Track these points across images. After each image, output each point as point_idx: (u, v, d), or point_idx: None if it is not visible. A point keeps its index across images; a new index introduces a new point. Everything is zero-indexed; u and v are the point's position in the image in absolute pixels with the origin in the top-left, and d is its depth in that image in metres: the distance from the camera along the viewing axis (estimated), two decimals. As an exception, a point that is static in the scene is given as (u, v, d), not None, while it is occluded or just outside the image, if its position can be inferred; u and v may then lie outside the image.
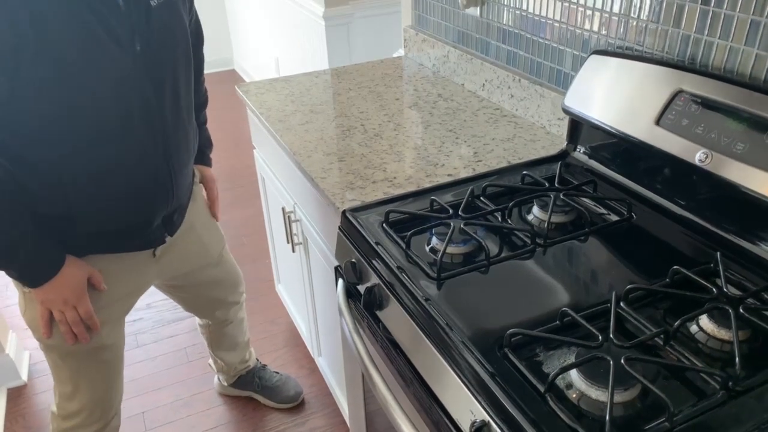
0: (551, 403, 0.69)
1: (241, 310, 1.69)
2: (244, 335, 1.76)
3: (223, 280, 1.53)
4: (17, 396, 1.91)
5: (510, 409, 0.69)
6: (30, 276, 1.09)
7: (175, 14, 1.11)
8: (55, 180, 1.04)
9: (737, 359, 0.70)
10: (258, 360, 1.88)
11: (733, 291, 0.82)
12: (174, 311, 2.25)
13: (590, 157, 1.19)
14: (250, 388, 1.85)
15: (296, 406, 1.84)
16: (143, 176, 1.11)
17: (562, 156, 1.23)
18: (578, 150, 1.21)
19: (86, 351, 1.22)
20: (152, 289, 1.42)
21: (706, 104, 0.94)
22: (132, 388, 1.92)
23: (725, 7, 0.95)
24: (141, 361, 2.04)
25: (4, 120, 0.97)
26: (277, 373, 1.89)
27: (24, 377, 1.95)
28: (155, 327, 2.18)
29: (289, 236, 1.58)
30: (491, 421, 0.70)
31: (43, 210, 1.05)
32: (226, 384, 1.86)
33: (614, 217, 1.04)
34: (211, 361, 1.84)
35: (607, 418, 0.65)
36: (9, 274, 1.10)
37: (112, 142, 1.04)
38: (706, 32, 0.99)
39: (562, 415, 0.68)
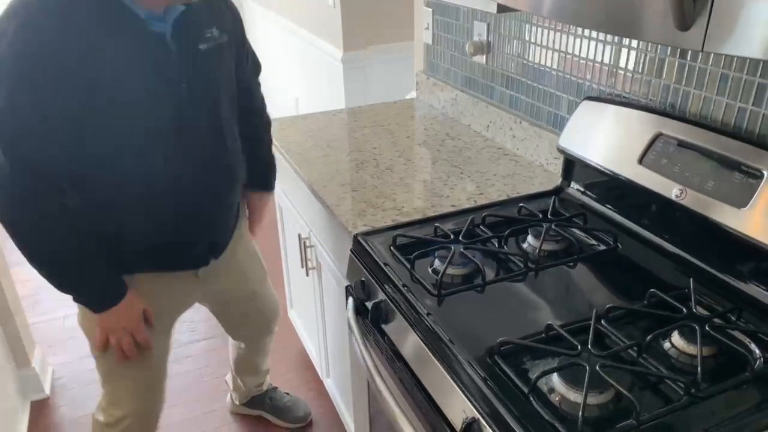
0: (534, 403, 0.78)
1: (272, 341, 1.79)
2: (266, 364, 1.86)
3: (262, 311, 1.65)
4: (40, 408, 2.00)
5: (498, 407, 0.78)
6: (97, 302, 1.21)
7: (221, 58, 1.24)
8: (108, 201, 1.16)
9: (699, 368, 0.79)
10: (270, 382, 1.97)
11: (702, 311, 0.91)
12: (190, 333, 2.35)
13: (582, 192, 1.29)
14: (261, 408, 1.93)
15: (305, 426, 1.92)
16: (186, 202, 1.22)
17: (556, 191, 1.34)
18: (572, 186, 1.32)
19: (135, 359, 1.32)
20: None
21: (683, 146, 1.06)
22: (148, 405, 2.01)
23: (699, 61, 1.07)
24: (157, 379, 2.13)
25: (69, 147, 1.09)
26: (288, 394, 1.97)
27: (47, 390, 2.05)
28: (173, 347, 2.27)
29: (304, 261, 1.69)
30: (480, 418, 0.79)
31: (96, 228, 1.17)
32: (238, 403, 1.94)
33: (601, 247, 1.14)
34: (228, 378, 1.93)
35: (580, 415, 0.74)
36: (77, 299, 1.22)
37: (158, 169, 1.17)
38: (683, 83, 1.11)
39: (543, 413, 0.77)
